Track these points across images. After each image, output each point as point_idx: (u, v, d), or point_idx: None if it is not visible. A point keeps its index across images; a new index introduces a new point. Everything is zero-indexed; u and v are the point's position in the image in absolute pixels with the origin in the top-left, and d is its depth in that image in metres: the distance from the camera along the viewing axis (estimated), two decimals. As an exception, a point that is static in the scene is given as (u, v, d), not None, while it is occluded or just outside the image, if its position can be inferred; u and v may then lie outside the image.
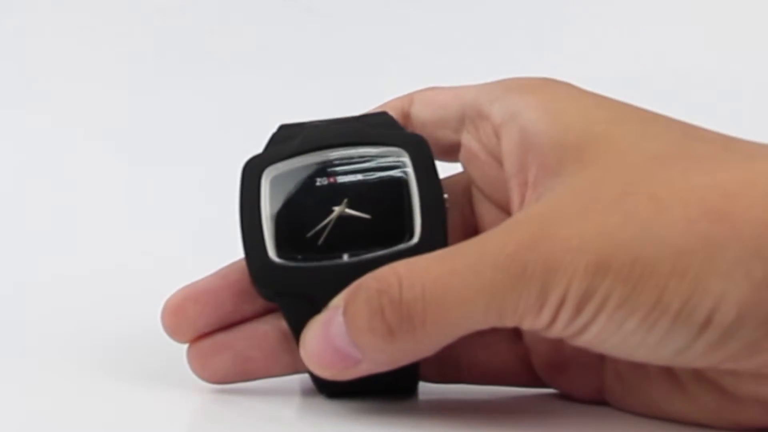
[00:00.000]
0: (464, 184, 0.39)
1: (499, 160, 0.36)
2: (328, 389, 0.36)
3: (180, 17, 0.78)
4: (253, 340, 0.37)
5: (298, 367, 0.36)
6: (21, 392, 0.38)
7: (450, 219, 0.36)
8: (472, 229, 0.38)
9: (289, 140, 0.37)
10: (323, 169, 0.36)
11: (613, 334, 0.30)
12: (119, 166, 0.71)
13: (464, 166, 0.38)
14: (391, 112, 0.38)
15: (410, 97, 0.39)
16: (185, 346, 0.37)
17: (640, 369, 0.33)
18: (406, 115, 0.39)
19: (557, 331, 0.31)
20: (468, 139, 0.37)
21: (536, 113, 0.34)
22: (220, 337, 0.37)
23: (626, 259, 0.30)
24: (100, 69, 0.77)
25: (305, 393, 0.37)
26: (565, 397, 0.37)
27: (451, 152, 0.38)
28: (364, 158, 0.36)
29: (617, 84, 0.41)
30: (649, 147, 0.32)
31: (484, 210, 0.38)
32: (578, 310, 0.30)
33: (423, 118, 0.38)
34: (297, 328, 0.34)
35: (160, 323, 0.37)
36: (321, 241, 0.35)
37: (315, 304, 0.34)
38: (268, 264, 0.35)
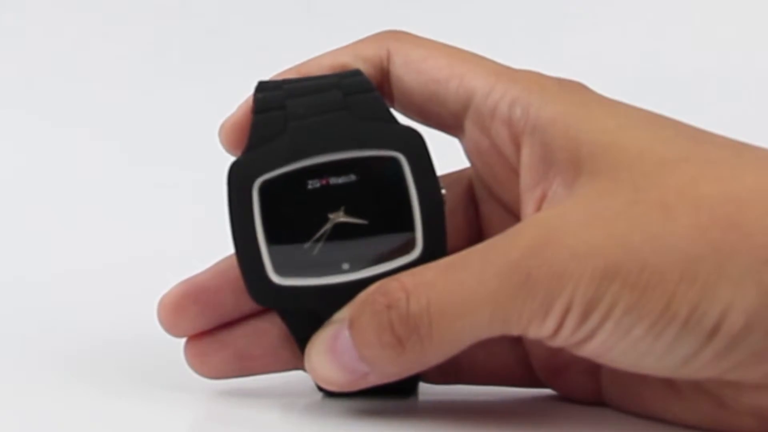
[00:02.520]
0: (467, 183, 0.38)
1: (511, 164, 0.35)
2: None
3: (179, 17, 0.78)
4: (253, 337, 0.37)
5: (297, 364, 0.36)
6: (13, 393, 0.38)
7: (454, 220, 0.35)
8: (475, 230, 0.38)
9: (273, 135, 0.34)
10: (315, 171, 0.34)
11: (619, 342, 0.30)
12: (118, 165, 0.71)
13: (471, 160, 0.37)
14: (366, 67, 0.36)
15: (386, 48, 0.36)
16: (183, 342, 0.37)
17: (637, 374, 0.33)
18: (385, 73, 0.36)
19: (563, 338, 0.31)
20: (476, 133, 0.35)
21: (558, 128, 0.33)
22: (220, 335, 0.37)
23: (634, 265, 0.29)
24: (100, 68, 0.76)
25: (304, 392, 0.37)
26: (564, 398, 0.37)
27: (440, 126, 0.37)
28: (357, 160, 0.34)
29: (619, 84, 0.41)
30: (659, 153, 0.31)
31: (490, 211, 0.37)
32: (584, 316, 0.30)
33: (410, 85, 0.36)
34: (300, 338, 0.34)
35: (157, 319, 0.36)
36: (319, 251, 0.34)
37: (318, 317, 0.33)
38: (267, 285, 0.34)
